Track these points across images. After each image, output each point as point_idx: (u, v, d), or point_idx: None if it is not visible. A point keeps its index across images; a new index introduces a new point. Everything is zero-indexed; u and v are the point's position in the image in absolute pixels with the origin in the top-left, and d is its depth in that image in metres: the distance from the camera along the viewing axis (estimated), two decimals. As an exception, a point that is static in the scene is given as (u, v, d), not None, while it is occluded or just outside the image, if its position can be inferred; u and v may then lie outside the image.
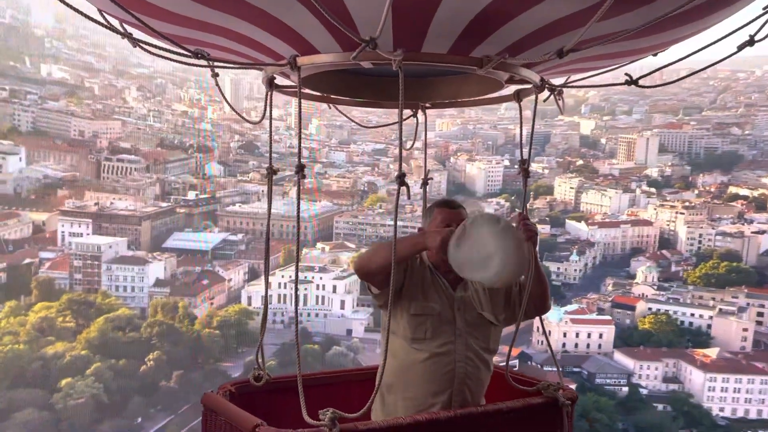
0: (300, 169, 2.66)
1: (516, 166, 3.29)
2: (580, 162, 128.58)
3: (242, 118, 3.84)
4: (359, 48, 2.33)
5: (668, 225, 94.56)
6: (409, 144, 3.96)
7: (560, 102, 3.24)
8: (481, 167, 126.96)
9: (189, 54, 2.54)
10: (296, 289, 3.11)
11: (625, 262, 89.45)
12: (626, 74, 3.05)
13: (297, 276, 3.03)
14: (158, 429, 59.14)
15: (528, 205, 3.41)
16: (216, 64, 2.88)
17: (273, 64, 2.81)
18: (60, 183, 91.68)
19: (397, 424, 2.77)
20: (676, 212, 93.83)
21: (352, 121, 4.58)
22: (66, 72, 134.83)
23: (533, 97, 3.11)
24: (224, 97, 3.78)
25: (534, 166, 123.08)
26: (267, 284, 3.45)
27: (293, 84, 2.89)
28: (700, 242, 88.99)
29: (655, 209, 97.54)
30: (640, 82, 3.13)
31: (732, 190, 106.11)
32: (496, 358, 3.28)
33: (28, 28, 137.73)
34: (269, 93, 3.06)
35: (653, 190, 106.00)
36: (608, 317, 66.69)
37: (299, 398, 2.53)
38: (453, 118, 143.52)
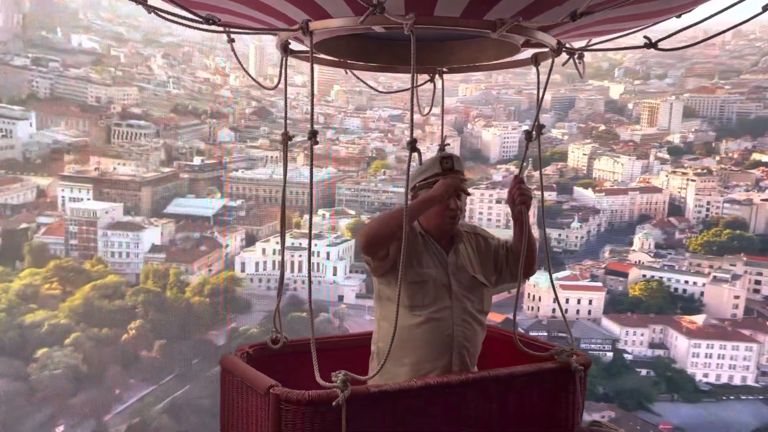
0: (312, 135, 2.60)
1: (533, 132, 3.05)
2: (603, 128, 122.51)
3: (258, 84, 3.66)
4: (367, 12, 2.33)
5: (679, 192, 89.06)
6: (426, 110, 3.80)
7: (580, 66, 3.11)
8: (496, 133, 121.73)
9: (200, 19, 2.50)
10: (309, 255, 3.11)
11: (632, 229, 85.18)
12: (645, 37, 2.82)
13: (310, 243, 3.09)
14: (136, 400, 56.29)
15: (539, 171, 3.38)
16: (228, 29, 2.82)
17: (284, 29, 2.77)
18: (68, 148, 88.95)
19: (409, 387, 2.71)
20: (687, 179, 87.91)
21: (367, 85, 4.05)
22: (95, 42, 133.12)
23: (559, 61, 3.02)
24: (240, 63, 3.55)
25: (554, 132, 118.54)
26: (284, 248, 3.39)
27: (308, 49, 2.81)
28: (708, 210, 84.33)
29: (666, 176, 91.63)
30: (661, 45, 2.83)
31: (755, 156, 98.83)
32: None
33: (63, 1, 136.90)
34: (284, 58, 2.97)
35: (667, 156, 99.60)
36: (599, 284, 63.80)
37: (322, 359, 2.52)
38: (478, 83, 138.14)
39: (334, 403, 2.44)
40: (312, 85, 2.66)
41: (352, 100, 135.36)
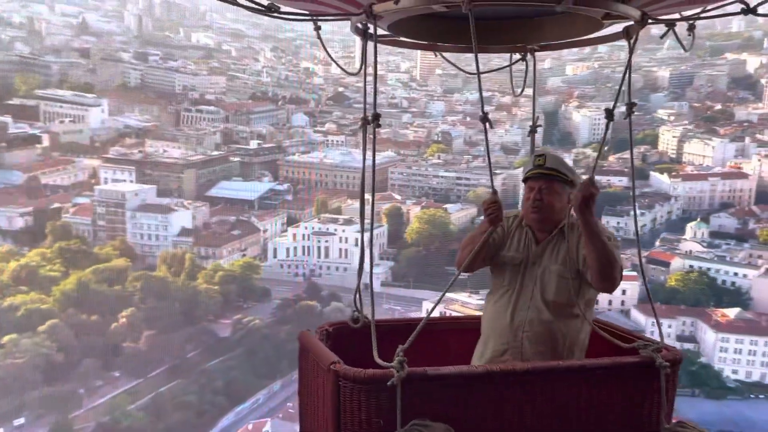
0: (375, 118, 2.51)
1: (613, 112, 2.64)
2: (718, 107, 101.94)
3: (341, 69, 3.37)
4: None
5: None
6: (518, 90, 3.48)
7: (687, 38, 2.76)
8: (587, 114, 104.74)
9: (261, 8, 2.44)
10: (361, 242, 3.27)
11: (708, 219, 70.58)
12: (741, 1, 2.54)
13: (362, 229, 2.98)
14: (113, 396, 48.06)
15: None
16: (286, 16, 2.72)
17: (347, 14, 2.65)
18: (136, 133, 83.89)
19: (469, 373, 2.53)
20: None
21: (451, 64, 3.57)
22: (211, 38, 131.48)
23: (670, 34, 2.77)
24: (325, 49, 3.23)
25: (661, 113, 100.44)
26: (363, 228, 3.12)
27: (387, 33, 2.78)
28: None
29: (759, 160, 73.99)
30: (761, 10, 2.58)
31: None
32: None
33: (193, 3, 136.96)
34: (364, 43, 2.76)
35: (766, 138, 79.05)
36: (634, 273, 50.69)
37: (397, 341, 2.36)
38: (587, 61, 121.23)
39: (389, 383, 2.29)
40: (375, 67, 2.54)
41: (446, 84, 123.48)
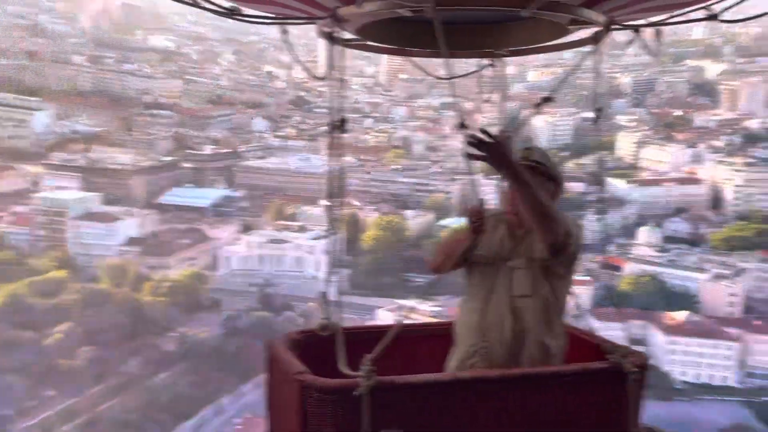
0: (340, 123, 2.46)
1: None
2: (678, 113, 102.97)
3: (309, 72, 3.16)
4: None
5: (725, 184, 72.66)
6: (484, 96, 3.46)
7: (653, 44, 2.75)
8: (548, 120, 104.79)
9: (224, 11, 2.37)
10: (330, 249, 2.89)
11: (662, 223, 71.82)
12: (705, 8, 2.54)
13: (330, 232, 2.92)
14: (44, 417, 45.08)
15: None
16: (251, 19, 2.65)
17: (313, 17, 2.61)
18: (84, 138, 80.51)
19: (439, 381, 2.49)
20: (734, 169, 71.86)
21: (420, 68, 3.50)
22: (172, 41, 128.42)
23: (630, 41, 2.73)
24: (292, 53, 3.11)
25: (621, 119, 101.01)
26: (334, 232, 3.07)
27: (352, 37, 2.73)
28: (748, 203, 70.23)
29: (714, 166, 75.10)
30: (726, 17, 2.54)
31: None
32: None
33: (154, 8, 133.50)
34: (331, 47, 2.74)
35: (721, 144, 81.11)
36: (588, 278, 53.18)
37: (366, 350, 2.32)
38: (553, 67, 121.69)
39: (355, 393, 2.23)
40: (339, 71, 2.56)
41: (413, 89, 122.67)
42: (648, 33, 2.74)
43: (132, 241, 62.75)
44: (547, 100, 2.62)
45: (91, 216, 62.02)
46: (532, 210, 2.58)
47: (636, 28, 2.72)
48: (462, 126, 2.29)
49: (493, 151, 2.44)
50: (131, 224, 63.50)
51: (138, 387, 49.10)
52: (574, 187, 69.66)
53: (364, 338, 2.49)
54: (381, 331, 2.51)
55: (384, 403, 2.25)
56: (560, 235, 2.62)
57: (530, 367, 2.62)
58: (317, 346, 2.74)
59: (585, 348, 2.76)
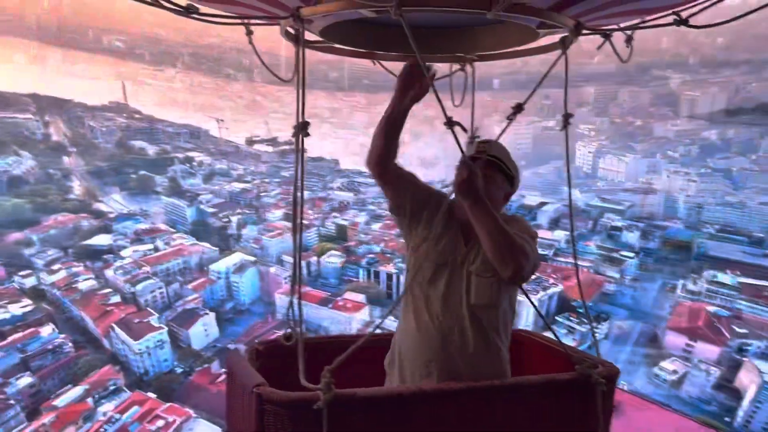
0: (303, 127, 2.28)
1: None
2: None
3: (274, 75, 2.99)
4: None
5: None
6: (455, 100, 3.32)
7: (623, 50, 2.66)
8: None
9: (179, 9, 2.26)
10: (294, 255, 2.49)
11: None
12: (674, 12, 2.46)
13: (296, 241, 2.55)
14: None
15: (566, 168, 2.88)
16: (207, 19, 2.49)
17: (275, 17, 2.49)
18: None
19: (399, 393, 2.36)
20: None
21: (388, 71, 3.27)
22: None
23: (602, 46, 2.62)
24: (257, 55, 3.08)
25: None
26: (296, 240, 2.59)
27: (320, 39, 2.68)
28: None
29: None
30: (694, 22, 2.49)
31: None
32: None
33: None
34: (298, 49, 2.53)
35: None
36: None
37: (330, 359, 2.24)
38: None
39: (315, 406, 2.14)
40: (302, 73, 2.40)
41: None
42: (618, 38, 2.60)
43: None
44: (518, 109, 2.40)
45: None
46: (492, 240, 2.32)
47: (606, 33, 2.60)
48: (450, 123, 2.09)
49: (468, 180, 2.25)
50: None
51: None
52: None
53: (330, 349, 2.29)
54: (350, 341, 2.33)
55: (344, 416, 2.15)
56: (522, 264, 2.35)
57: (492, 379, 2.48)
58: (281, 357, 2.56)
59: (555, 358, 2.68)
